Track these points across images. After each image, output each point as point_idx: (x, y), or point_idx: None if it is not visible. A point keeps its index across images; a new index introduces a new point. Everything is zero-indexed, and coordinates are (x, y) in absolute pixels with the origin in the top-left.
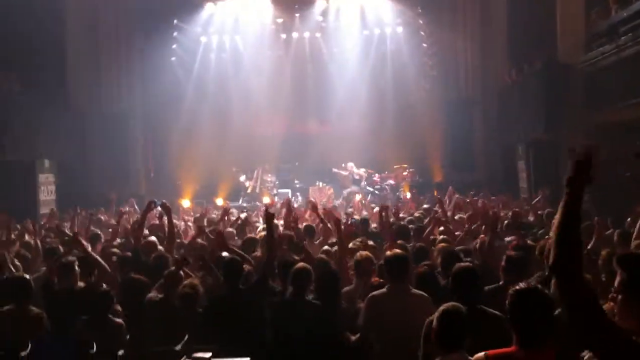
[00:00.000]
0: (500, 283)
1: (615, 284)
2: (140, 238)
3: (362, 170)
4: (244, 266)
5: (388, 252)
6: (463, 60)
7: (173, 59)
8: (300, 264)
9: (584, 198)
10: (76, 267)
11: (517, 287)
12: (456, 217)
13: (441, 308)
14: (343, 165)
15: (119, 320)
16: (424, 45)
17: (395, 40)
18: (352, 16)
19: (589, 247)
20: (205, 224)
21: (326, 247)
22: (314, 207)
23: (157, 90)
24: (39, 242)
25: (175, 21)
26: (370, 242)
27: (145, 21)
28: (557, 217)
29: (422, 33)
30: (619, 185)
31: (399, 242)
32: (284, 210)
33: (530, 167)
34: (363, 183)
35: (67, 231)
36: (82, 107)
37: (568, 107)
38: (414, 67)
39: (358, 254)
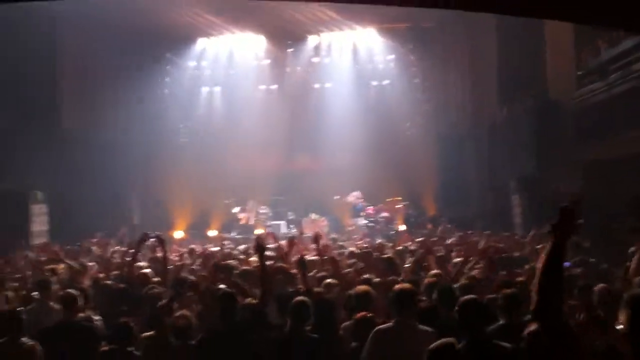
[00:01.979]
0: (501, 322)
1: (622, 322)
2: (133, 270)
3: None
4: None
5: (396, 286)
6: (454, 96)
7: (165, 91)
8: (300, 298)
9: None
10: (78, 299)
11: None
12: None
13: (432, 345)
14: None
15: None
16: (416, 80)
17: (387, 75)
18: (344, 51)
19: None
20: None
21: (329, 280)
22: (317, 240)
23: (151, 123)
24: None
25: (167, 54)
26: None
27: (138, 54)
28: (541, 263)
29: (414, 68)
30: (611, 220)
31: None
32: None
33: (525, 203)
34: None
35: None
36: (76, 139)
37: (559, 144)
38: (406, 102)
39: (356, 288)
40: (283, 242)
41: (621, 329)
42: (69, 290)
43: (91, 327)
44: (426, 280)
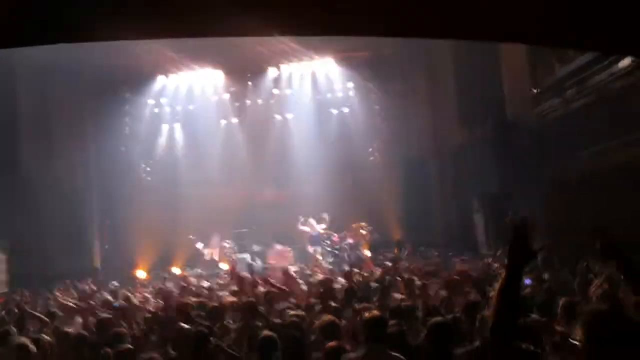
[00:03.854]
0: (477, 344)
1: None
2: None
3: (321, 227)
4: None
5: (366, 314)
6: (415, 121)
7: (126, 130)
8: (266, 332)
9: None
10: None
11: None
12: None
13: None
14: (302, 219)
15: None
16: (376, 107)
17: (347, 104)
18: (304, 82)
19: None
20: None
21: (298, 311)
22: (287, 273)
23: (111, 163)
24: None
25: (127, 93)
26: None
27: (96, 94)
28: (498, 285)
29: (374, 95)
30: (575, 236)
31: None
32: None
33: (488, 221)
34: (323, 243)
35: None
36: (35, 184)
37: (519, 162)
38: (368, 128)
39: (322, 318)
40: (248, 276)
41: (578, 344)
42: (21, 343)
43: None
44: (393, 305)
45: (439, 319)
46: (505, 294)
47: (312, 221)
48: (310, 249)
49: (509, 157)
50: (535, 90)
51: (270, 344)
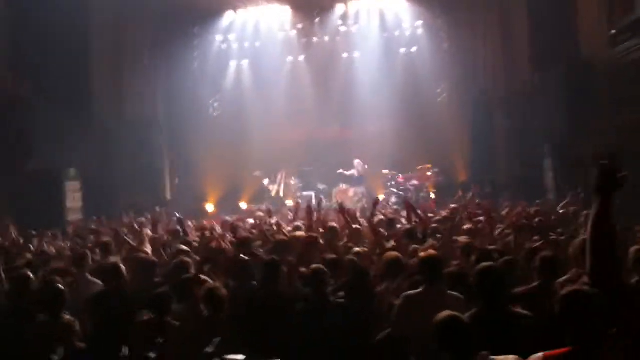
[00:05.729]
0: (535, 284)
1: None
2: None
3: (365, 167)
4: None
5: (422, 254)
6: (484, 61)
7: (195, 66)
8: (315, 266)
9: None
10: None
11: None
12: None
13: (438, 318)
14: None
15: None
16: (445, 45)
17: (416, 42)
18: (372, 19)
19: None
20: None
21: (357, 249)
22: (342, 210)
23: (180, 98)
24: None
25: (195, 29)
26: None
27: (167, 29)
28: (590, 227)
29: (442, 34)
30: None
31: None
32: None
33: (557, 168)
34: (389, 184)
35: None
36: (106, 116)
37: (593, 106)
38: (435, 68)
39: (387, 254)
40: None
41: None
42: (113, 262)
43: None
44: (459, 244)
45: (486, 264)
46: (599, 226)
47: (357, 162)
48: (351, 189)
49: (581, 100)
50: (612, 31)
51: (321, 276)
